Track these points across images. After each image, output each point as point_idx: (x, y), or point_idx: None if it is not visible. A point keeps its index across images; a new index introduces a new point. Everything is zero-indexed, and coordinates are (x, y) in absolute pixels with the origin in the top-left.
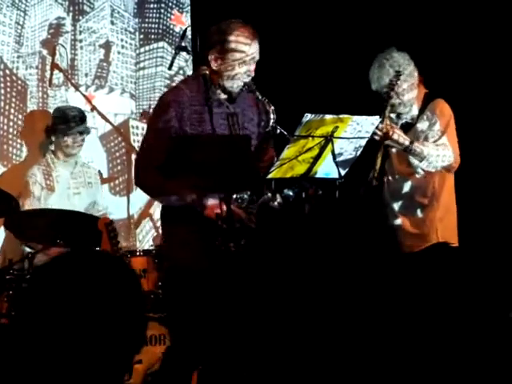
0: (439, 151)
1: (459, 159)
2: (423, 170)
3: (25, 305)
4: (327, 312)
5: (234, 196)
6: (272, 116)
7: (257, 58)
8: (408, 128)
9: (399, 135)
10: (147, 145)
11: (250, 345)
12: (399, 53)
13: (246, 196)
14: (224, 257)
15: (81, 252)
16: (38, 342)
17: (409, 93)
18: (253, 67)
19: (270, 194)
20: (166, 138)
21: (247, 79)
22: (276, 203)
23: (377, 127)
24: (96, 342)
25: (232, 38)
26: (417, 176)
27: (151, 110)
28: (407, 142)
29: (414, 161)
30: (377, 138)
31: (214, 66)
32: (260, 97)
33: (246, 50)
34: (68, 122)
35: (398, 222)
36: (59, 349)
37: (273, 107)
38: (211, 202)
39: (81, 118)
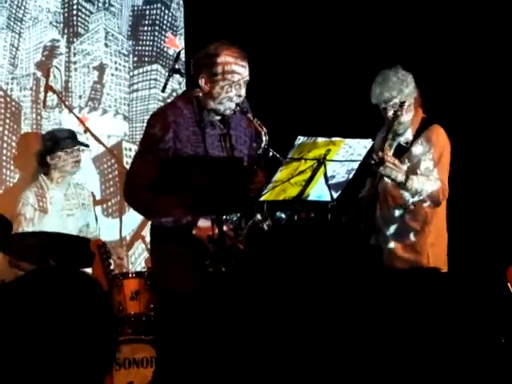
0: (430, 187)
1: (447, 194)
2: (414, 203)
3: None
4: (317, 333)
5: (224, 217)
6: (264, 138)
7: (247, 78)
8: (402, 151)
9: (396, 167)
10: (141, 160)
11: (241, 367)
12: (404, 71)
13: (235, 217)
14: (213, 279)
15: (48, 270)
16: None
17: (407, 113)
18: (243, 88)
19: (259, 216)
20: (162, 158)
21: (238, 100)
22: (266, 225)
23: (376, 155)
24: (64, 362)
25: (220, 60)
26: (409, 206)
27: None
28: (402, 177)
29: (406, 195)
30: (373, 162)
31: (204, 89)
32: (252, 118)
33: (234, 71)
34: (58, 139)
35: (390, 246)
36: (26, 370)
37: (265, 129)
38: (203, 223)
39: (70, 135)
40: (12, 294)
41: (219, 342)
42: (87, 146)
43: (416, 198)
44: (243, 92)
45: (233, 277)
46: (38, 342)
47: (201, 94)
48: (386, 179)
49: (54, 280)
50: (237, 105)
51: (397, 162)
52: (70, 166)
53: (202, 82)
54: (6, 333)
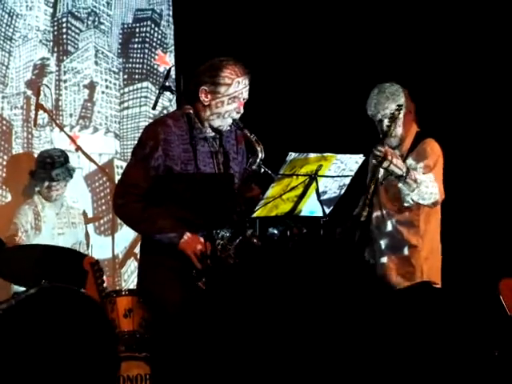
0: (429, 186)
1: (443, 195)
2: (412, 200)
3: None
4: (310, 349)
5: (214, 232)
6: (260, 155)
7: (246, 95)
8: None
9: (398, 160)
10: (132, 171)
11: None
12: (399, 86)
13: (226, 232)
14: (201, 293)
15: (52, 290)
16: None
17: (400, 126)
18: (242, 104)
19: (250, 231)
20: (152, 175)
21: (236, 116)
22: (256, 240)
23: (377, 150)
24: (68, 379)
25: (223, 74)
26: (405, 205)
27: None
28: (404, 170)
29: (405, 190)
30: (375, 159)
31: (204, 100)
32: (249, 135)
33: (235, 86)
34: (45, 167)
35: (384, 259)
36: None
37: (262, 146)
38: (192, 238)
39: (59, 162)
40: (17, 313)
41: (210, 354)
42: (69, 175)
43: (415, 195)
44: (241, 109)
45: (223, 291)
46: (42, 362)
47: (192, 111)
48: (381, 190)
49: (57, 300)
50: (233, 121)
51: (398, 156)
52: (52, 193)
53: (202, 94)
54: (12, 351)
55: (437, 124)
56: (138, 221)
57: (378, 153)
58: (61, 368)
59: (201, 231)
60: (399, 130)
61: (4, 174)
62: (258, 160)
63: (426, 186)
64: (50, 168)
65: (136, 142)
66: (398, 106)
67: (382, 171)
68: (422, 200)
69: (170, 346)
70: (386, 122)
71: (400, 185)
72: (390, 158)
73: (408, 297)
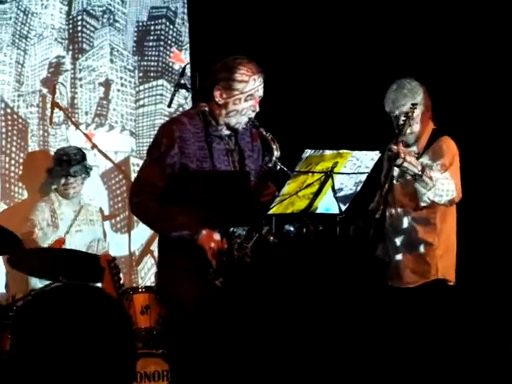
0: (445, 183)
1: (461, 194)
2: (429, 199)
3: (15, 339)
4: (324, 347)
5: (231, 230)
6: (276, 153)
7: (261, 93)
8: None
9: (412, 158)
10: (149, 169)
11: (251, 376)
12: (417, 82)
13: (242, 230)
14: (218, 292)
15: (70, 287)
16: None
17: (418, 123)
18: (257, 103)
19: (266, 229)
20: (168, 173)
21: (252, 115)
22: (273, 238)
23: (391, 148)
24: (85, 378)
25: (238, 72)
26: (422, 204)
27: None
28: (419, 167)
29: (421, 189)
30: (390, 157)
31: (219, 100)
32: (265, 133)
33: (251, 84)
34: (62, 164)
35: (399, 256)
36: None
37: (277, 144)
38: (210, 236)
39: (75, 160)
40: (34, 310)
41: (228, 353)
42: (87, 172)
43: (431, 193)
44: (257, 107)
45: (240, 289)
46: (60, 359)
47: (207, 109)
48: (396, 186)
49: (74, 297)
50: (249, 119)
51: (412, 155)
52: (70, 190)
53: (217, 93)
54: (29, 348)
55: (453, 121)
56: (155, 219)
57: (392, 151)
58: (79, 365)
59: (217, 229)
60: (416, 128)
61: (20, 172)
62: (274, 158)
63: (442, 184)
64: (67, 165)
65: (151, 141)
66: (412, 104)
67: (396, 168)
68: (439, 198)
69: (187, 344)
70: (401, 119)
71: (416, 184)
72: (403, 156)
73: (422, 295)
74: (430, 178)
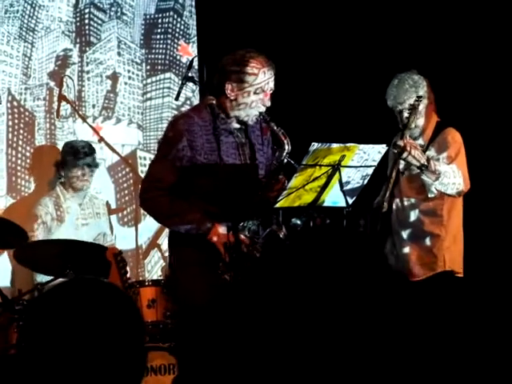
0: (451, 176)
1: (469, 184)
2: (437, 189)
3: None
4: (332, 342)
5: (240, 224)
6: (287, 147)
7: (272, 86)
8: None
9: (418, 151)
10: (158, 165)
11: (257, 374)
12: (420, 76)
13: (251, 225)
14: (228, 286)
15: (82, 282)
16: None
17: (422, 117)
18: (268, 97)
19: (276, 224)
20: (177, 166)
21: (262, 108)
22: (282, 233)
23: (396, 142)
24: (96, 372)
25: (248, 66)
26: (430, 195)
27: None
28: (424, 159)
29: (428, 180)
30: (395, 151)
31: (230, 95)
32: (275, 127)
33: (260, 77)
34: (76, 155)
35: (406, 250)
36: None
37: (288, 138)
38: (219, 229)
39: (89, 151)
40: (45, 304)
41: (235, 347)
42: (97, 166)
43: (438, 184)
44: (268, 101)
45: (249, 284)
46: (71, 353)
47: (214, 102)
48: (403, 179)
49: (85, 291)
50: (260, 113)
51: (418, 147)
52: (83, 182)
53: (228, 88)
54: (42, 339)
55: (456, 113)
56: (165, 215)
57: (398, 145)
58: (88, 359)
59: (227, 224)
60: (421, 121)
61: (27, 165)
62: (285, 153)
63: (448, 177)
64: (82, 156)
65: (159, 133)
66: (417, 97)
67: (402, 162)
68: (446, 188)
69: (196, 338)
70: (405, 113)
71: (423, 176)
72: (408, 149)
73: (430, 287)
74: (436, 171)
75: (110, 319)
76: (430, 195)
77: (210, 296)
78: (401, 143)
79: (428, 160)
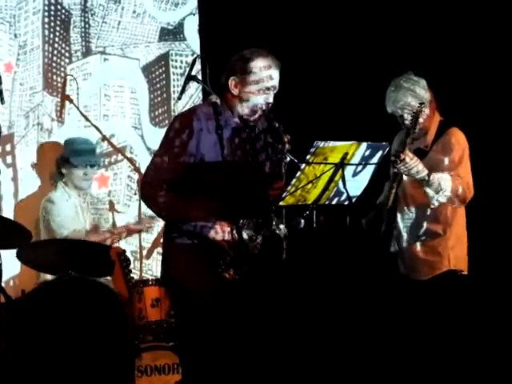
0: (454, 184)
1: (473, 191)
2: (438, 201)
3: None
4: (334, 340)
5: (241, 221)
6: (287, 146)
7: (275, 84)
8: (421, 155)
9: (417, 167)
10: (160, 160)
11: (259, 371)
12: (417, 77)
13: (252, 222)
14: (228, 283)
15: (66, 281)
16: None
17: (424, 118)
18: (272, 96)
19: (276, 222)
20: (180, 162)
21: (266, 107)
22: (283, 231)
23: (397, 157)
24: (83, 371)
25: (253, 64)
26: (431, 206)
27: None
28: (425, 174)
29: (430, 191)
30: (395, 169)
31: (234, 91)
32: (277, 125)
33: (266, 77)
34: (78, 155)
35: (411, 249)
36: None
37: (289, 136)
38: (220, 227)
39: (91, 150)
40: (32, 304)
41: (238, 345)
42: (100, 165)
43: (441, 196)
44: (271, 99)
45: (250, 281)
46: (56, 354)
47: (218, 100)
48: (406, 179)
49: (71, 291)
50: (263, 111)
51: (417, 159)
52: (84, 182)
53: (231, 83)
54: (27, 342)
55: (459, 112)
56: (167, 212)
57: (396, 158)
58: (75, 358)
59: (228, 221)
60: (424, 121)
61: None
62: (286, 151)
63: (452, 187)
64: (89, 154)
65: (166, 129)
66: (420, 103)
67: None
68: (448, 200)
69: (197, 336)
70: (406, 117)
71: (425, 187)
72: (408, 167)
73: (435, 287)
74: (438, 182)
75: (93, 316)
76: (432, 206)
77: (211, 294)
78: (400, 156)
79: (429, 174)
